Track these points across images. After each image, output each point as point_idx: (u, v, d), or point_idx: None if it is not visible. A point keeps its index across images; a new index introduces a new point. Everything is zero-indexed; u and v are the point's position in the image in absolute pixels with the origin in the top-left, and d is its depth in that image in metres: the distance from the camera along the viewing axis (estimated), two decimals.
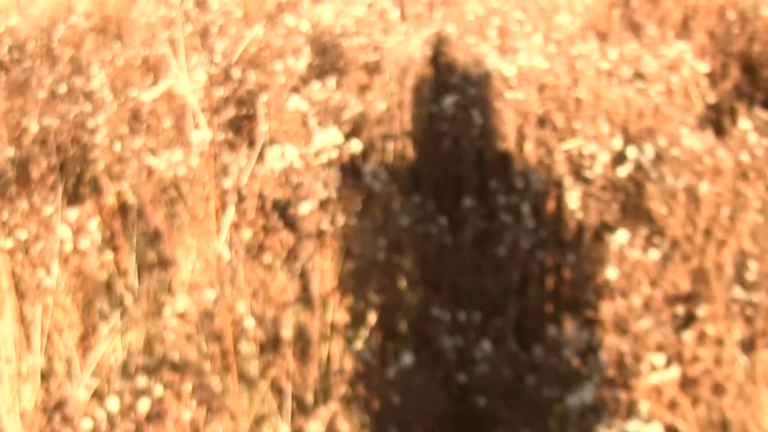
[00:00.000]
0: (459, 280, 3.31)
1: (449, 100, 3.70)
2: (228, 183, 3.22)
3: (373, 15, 5.88)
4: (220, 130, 3.54)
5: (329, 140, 3.07)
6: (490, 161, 3.62)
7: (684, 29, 6.45)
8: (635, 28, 6.52)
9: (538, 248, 3.37)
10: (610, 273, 2.86)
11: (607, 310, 2.80)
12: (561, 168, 3.58)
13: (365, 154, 3.35)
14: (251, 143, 3.56)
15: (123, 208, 3.91)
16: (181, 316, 3.06)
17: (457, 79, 4.02)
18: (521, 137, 3.89)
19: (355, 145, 3.17)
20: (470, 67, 4.19)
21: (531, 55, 4.42)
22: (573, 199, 3.26)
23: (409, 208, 3.17)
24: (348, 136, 3.35)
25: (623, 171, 3.23)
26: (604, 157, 3.33)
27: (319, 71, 4.89)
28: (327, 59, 5.01)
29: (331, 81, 4.76)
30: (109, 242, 3.82)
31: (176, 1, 5.03)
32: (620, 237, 2.85)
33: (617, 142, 3.41)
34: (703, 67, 5.00)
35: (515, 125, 3.76)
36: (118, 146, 3.78)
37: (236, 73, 4.14)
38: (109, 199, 3.99)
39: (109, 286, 3.57)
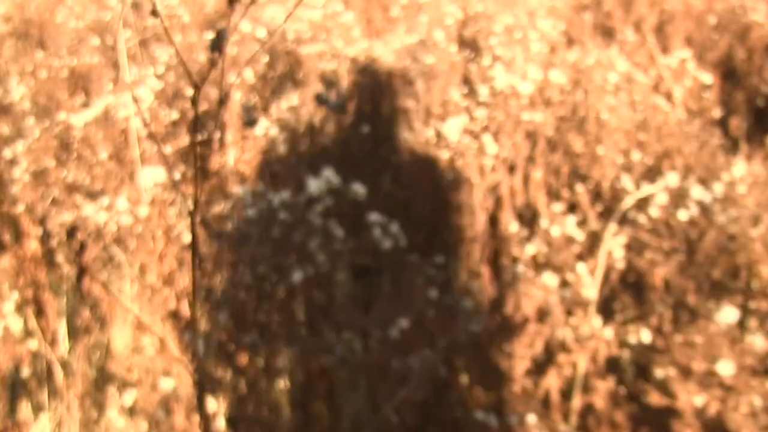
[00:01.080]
0: None
1: (453, 123, 2.92)
2: (187, 237, 2.40)
3: (329, 20, 5.09)
4: (173, 165, 2.70)
5: (323, 184, 2.27)
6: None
7: (660, 34, 5.76)
8: (608, 33, 5.84)
9: None
10: None
11: None
12: (585, 204, 2.83)
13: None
14: (212, 181, 2.73)
15: (49, 258, 3.03)
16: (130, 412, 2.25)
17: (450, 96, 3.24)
18: (531, 165, 3.13)
19: (357, 190, 2.37)
20: (458, 82, 3.42)
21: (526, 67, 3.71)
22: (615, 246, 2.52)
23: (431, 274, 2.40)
24: (341, 171, 2.54)
25: (683, 214, 2.49)
26: (645, 194, 2.60)
27: (279, 83, 4.09)
28: (285, 69, 4.21)
29: (294, 96, 3.97)
30: (32, 302, 2.95)
31: (112, 2, 4.14)
32: (728, 315, 2.10)
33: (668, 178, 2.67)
34: (707, 77, 4.34)
35: (525, 154, 3.00)
36: (42, 183, 2.91)
37: (188, 90, 3.30)
38: (31, 246, 3.11)
39: (35, 359, 2.71)
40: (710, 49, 5.52)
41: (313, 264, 2.13)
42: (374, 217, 2.38)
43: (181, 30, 4.00)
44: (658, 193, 2.55)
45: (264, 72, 4.02)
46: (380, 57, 4.46)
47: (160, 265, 2.35)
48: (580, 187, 2.97)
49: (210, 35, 3.92)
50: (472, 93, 3.15)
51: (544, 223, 2.63)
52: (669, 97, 4.21)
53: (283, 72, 4.17)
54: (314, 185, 2.28)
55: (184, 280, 2.30)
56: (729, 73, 5.50)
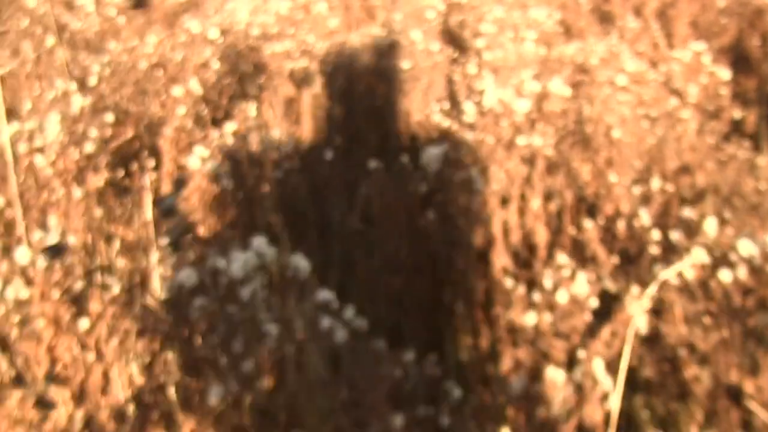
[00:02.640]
0: None
1: (433, 152, 2.27)
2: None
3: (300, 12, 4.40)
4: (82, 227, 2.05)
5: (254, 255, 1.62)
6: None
7: (662, 18, 5.08)
8: (607, 19, 5.17)
9: None
10: None
11: None
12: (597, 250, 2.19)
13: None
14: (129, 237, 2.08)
15: None
16: None
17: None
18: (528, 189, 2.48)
19: (299, 263, 1.70)
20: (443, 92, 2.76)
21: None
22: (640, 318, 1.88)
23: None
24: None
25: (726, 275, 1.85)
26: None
27: (231, 94, 3.43)
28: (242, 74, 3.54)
29: (252, 107, 3.31)
30: None
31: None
32: None
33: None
34: (725, 73, 3.69)
35: (521, 178, 2.35)
36: None
37: (109, 116, 2.64)
38: None
39: None
40: (718, 35, 4.83)
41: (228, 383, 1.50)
42: (324, 295, 1.75)
43: (114, 34, 3.32)
44: (694, 248, 1.91)
45: (217, 79, 3.36)
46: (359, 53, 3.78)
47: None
48: (588, 224, 2.33)
49: (152, 38, 3.24)
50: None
51: (547, 282, 1.99)
52: (682, 97, 3.55)
53: (242, 76, 3.51)
54: (241, 258, 1.64)
55: None
56: (741, 63, 4.80)
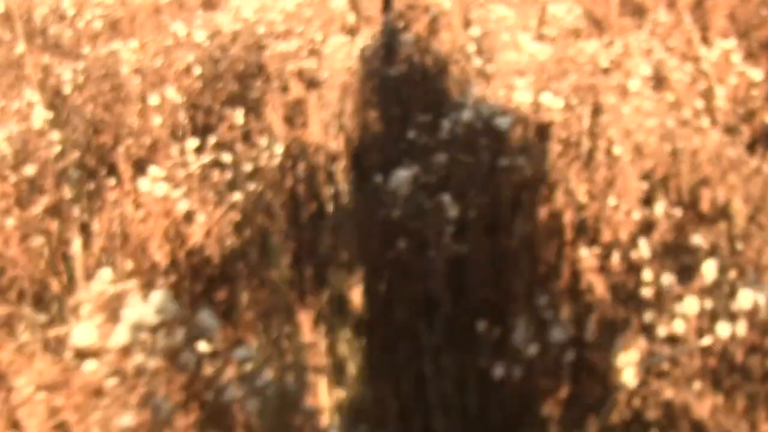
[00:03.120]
0: None
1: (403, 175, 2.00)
2: None
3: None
4: None
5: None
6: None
7: (698, 10, 4.71)
8: (638, 12, 4.83)
9: None
10: None
11: None
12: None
13: None
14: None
15: None
16: None
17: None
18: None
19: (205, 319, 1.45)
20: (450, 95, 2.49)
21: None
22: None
23: None
24: None
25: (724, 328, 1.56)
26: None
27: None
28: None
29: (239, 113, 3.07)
30: None
31: None
32: None
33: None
34: (757, 73, 3.34)
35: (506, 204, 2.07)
36: None
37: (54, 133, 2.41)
38: None
39: None
40: (758, 28, 4.48)
41: None
42: None
43: (91, 38, 3.10)
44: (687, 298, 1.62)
45: (204, 85, 3.13)
46: None
47: None
48: (584, 252, 2.04)
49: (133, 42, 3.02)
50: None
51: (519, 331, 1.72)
52: (708, 101, 3.23)
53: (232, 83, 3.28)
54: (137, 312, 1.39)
55: None
56: None
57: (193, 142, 2.29)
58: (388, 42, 2.98)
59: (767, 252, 2.06)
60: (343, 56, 3.77)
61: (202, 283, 2.33)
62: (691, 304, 1.58)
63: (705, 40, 4.24)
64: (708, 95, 3.32)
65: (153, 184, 2.10)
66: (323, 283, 2.38)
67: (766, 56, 4.44)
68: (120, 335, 1.36)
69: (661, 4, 4.80)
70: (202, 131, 2.97)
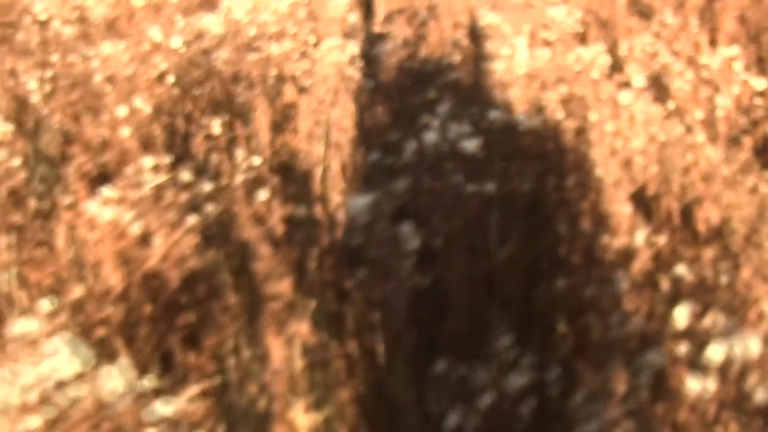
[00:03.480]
0: None
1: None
2: None
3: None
4: None
5: None
6: None
7: (707, 13, 4.54)
8: (645, 13, 4.66)
9: None
10: None
11: None
12: None
13: None
14: None
15: None
16: None
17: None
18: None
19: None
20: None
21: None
22: None
23: None
24: None
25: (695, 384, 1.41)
26: None
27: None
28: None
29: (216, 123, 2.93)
30: None
31: None
32: None
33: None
34: (761, 83, 3.16)
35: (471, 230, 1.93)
36: None
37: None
38: None
39: None
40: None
41: None
42: None
43: (60, 43, 2.97)
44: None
45: (184, 92, 2.99)
46: None
47: None
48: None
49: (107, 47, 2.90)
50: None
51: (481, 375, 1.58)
52: (705, 113, 3.06)
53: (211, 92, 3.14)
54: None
55: None
56: None
57: (149, 160, 2.16)
58: (368, 51, 2.83)
59: (755, 285, 1.91)
60: (335, 60, 3.64)
61: (161, 308, 2.20)
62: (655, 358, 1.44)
63: (713, 44, 4.07)
64: (710, 105, 3.16)
65: (102, 206, 1.97)
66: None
67: None
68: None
69: (669, 6, 4.62)
70: (176, 143, 2.85)
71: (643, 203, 2.24)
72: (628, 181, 2.22)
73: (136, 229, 2.08)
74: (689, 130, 2.66)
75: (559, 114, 2.34)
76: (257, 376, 2.42)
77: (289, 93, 3.65)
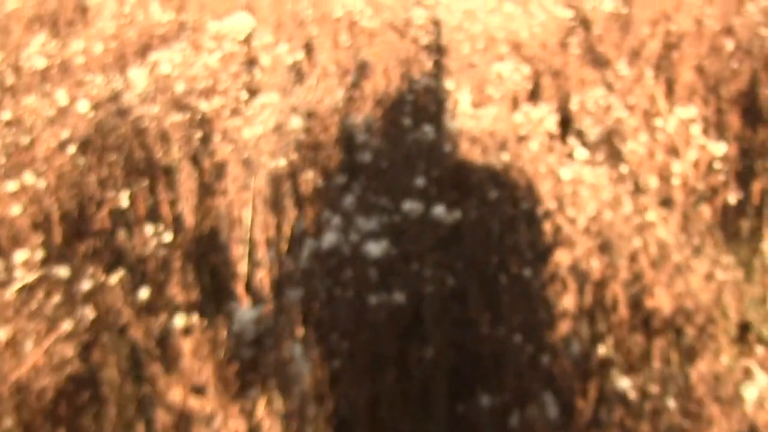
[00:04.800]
0: None
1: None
2: None
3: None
4: None
5: None
6: None
7: (664, 63, 4.32)
8: (599, 63, 4.42)
9: None
10: None
11: None
12: None
13: None
14: None
15: None
16: None
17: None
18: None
19: None
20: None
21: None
22: None
23: None
24: None
25: None
26: None
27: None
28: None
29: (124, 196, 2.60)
30: None
31: None
32: None
33: None
34: (720, 147, 2.89)
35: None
36: None
37: None
38: None
39: None
40: (728, 82, 4.07)
41: None
42: None
43: None
44: None
45: (98, 159, 2.68)
46: None
47: None
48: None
49: None
50: None
51: None
52: (662, 181, 2.79)
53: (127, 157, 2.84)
54: None
55: None
56: (752, 115, 4.04)
57: (21, 254, 1.84)
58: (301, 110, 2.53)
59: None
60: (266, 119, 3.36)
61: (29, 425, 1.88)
62: None
63: (669, 97, 3.84)
64: (664, 170, 2.89)
65: None
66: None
67: (737, 113, 4.04)
68: None
69: (624, 55, 4.39)
70: (75, 219, 2.54)
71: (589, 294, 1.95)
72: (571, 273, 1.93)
73: (1, 335, 1.76)
74: (640, 205, 2.39)
75: (492, 193, 2.05)
76: None
77: (219, 152, 3.37)
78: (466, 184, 1.99)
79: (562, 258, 1.97)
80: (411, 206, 1.75)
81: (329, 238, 1.65)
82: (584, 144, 2.94)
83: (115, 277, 1.87)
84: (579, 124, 3.41)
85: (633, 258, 2.08)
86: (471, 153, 2.46)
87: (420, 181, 1.89)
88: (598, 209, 2.20)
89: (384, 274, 1.62)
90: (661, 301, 2.13)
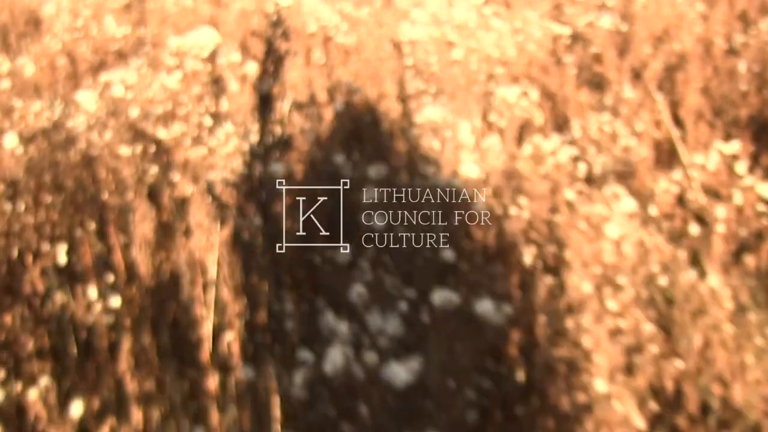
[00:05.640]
0: None
1: None
2: None
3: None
4: None
5: None
6: None
7: (667, 83, 3.93)
8: (598, 85, 4.03)
9: None
10: None
11: None
12: None
13: None
14: None
15: None
16: None
17: None
18: None
19: None
20: None
21: None
22: None
23: None
24: None
25: None
26: None
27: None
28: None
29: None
30: None
31: None
32: None
33: None
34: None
35: None
36: None
37: None
38: None
39: None
40: (736, 105, 3.69)
41: None
42: None
43: None
44: None
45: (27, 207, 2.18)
46: None
47: None
48: None
49: None
50: None
51: None
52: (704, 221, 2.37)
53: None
54: None
55: None
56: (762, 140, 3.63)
57: None
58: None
59: None
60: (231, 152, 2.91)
61: None
62: None
63: (677, 121, 3.45)
64: (701, 215, 2.46)
65: None
66: None
67: (749, 136, 3.64)
68: None
69: (625, 76, 3.99)
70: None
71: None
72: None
73: None
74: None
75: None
76: None
77: (179, 188, 2.91)
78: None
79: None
80: (444, 297, 1.28)
81: (336, 358, 1.18)
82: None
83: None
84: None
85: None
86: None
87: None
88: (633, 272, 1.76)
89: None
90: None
